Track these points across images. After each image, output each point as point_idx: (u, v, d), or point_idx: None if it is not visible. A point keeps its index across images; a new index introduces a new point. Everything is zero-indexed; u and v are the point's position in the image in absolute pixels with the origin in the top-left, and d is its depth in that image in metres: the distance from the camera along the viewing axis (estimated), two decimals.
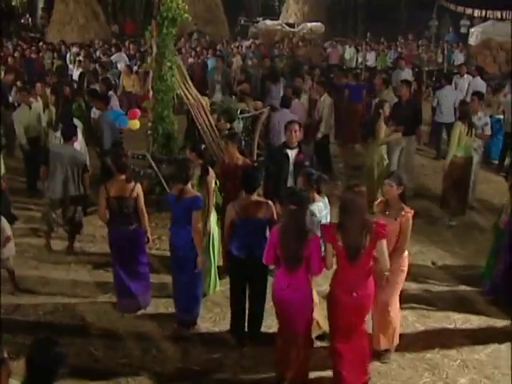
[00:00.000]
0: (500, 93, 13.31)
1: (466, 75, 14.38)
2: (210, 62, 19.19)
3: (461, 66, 15.48)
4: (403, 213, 5.51)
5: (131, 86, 16.91)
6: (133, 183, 6.49)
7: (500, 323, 6.59)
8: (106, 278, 7.41)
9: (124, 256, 6.53)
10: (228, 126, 9.88)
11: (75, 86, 14.31)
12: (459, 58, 22.93)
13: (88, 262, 7.92)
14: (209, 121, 9.69)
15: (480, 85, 13.62)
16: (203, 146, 7.18)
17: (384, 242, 5.03)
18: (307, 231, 5.11)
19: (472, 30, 23.23)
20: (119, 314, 6.62)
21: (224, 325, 6.44)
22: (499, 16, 22.90)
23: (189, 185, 6.17)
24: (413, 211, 5.60)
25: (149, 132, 9.40)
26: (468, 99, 12.86)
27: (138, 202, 6.48)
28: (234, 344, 6.12)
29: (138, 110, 8.34)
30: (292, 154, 7.31)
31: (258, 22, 29.51)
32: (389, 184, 5.61)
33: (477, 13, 27.02)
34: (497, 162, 12.55)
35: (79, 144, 8.75)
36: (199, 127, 9.55)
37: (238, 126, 9.88)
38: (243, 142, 9.91)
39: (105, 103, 10.00)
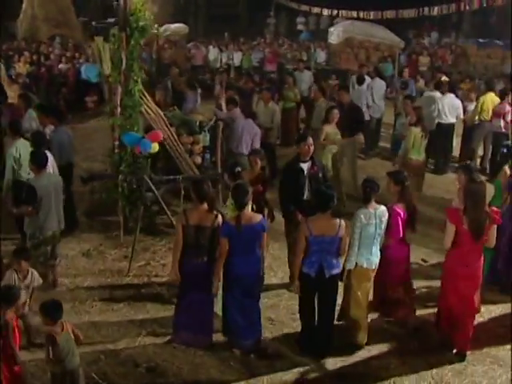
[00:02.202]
0: None
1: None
2: (88, 69, 18.27)
3: (361, 67, 15.35)
4: None
5: (13, 98, 15.53)
6: (215, 213, 6.01)
7: None
8: (123, 315, 6.92)
9: (193, 289, 6.03)
10: (191, 139, 9.57)
11: None
12: (321, 56, 23.98)
13: (91, 298, 7.22)
14: (172, 135, 9.27)
15: (381, 85, 14.22)
16: (238, 169, 6.90)
17: (495, 226, 6.00)
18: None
19: (331, 29, 24.24)
20: (171, 352, 6.14)
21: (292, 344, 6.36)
22: (355, 16, 24.23)
23: (247, 208, 5.96)
24: None
25: (116, 151, 8.76)
26: (369, 101, 13.52)
27: (216, 233, 5.95)
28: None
29: (159, 132, 7.66)
30: (306, 167, 7.33)
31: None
32: None
33: (326, 12, 28.50)
34: None
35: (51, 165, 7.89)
36: (165, 143, 9.08)
37: (205, 138, 9.56)
38: (208, 156, 9.69)
39: (58, 118, 9.10)
